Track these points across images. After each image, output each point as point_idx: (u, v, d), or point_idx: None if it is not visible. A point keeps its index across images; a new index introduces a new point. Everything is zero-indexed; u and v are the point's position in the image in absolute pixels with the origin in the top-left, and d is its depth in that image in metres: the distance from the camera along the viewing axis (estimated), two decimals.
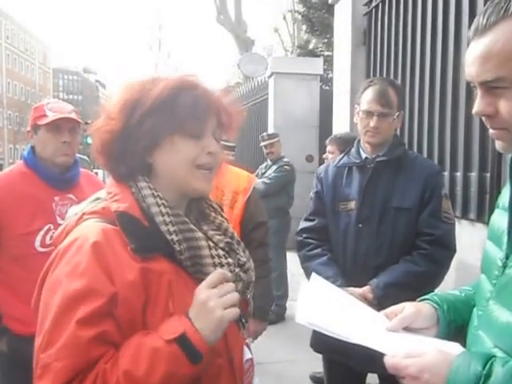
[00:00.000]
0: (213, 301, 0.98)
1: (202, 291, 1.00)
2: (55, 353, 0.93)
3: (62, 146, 2.09)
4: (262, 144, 5.27)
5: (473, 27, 0.93)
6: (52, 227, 2.02)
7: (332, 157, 3.60)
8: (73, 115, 2.11)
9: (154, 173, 1.12)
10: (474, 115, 0.98)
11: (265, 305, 2.42)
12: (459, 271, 2.13)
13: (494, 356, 0.87)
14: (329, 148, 3.73)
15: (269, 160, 5.30)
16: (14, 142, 53.85)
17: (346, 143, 3.74)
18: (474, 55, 0.92)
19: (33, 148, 2.13)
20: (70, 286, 0.97)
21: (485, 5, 2.75)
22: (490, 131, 0.97)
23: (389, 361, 0.94)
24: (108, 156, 1.13)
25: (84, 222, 1.08)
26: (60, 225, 1.20)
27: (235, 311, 1.01)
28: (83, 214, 1.10)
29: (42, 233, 2.01)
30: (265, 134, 5.42)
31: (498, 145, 0.97)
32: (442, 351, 0.94)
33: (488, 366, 0.84)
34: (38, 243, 2.00)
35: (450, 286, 2.07)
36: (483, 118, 0.97)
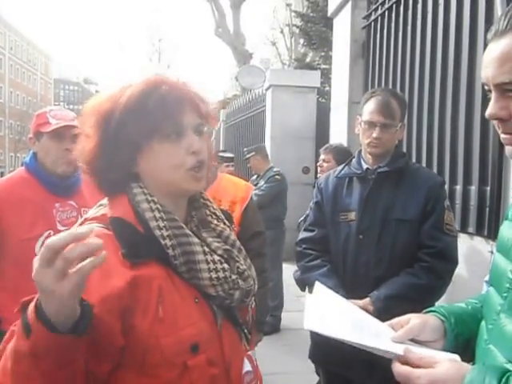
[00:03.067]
0: (44, 281, 0.79)
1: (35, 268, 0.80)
2: None
3: (64, 154, 2.08)
4: (244, 158, 5.45)
5: (493, 28, 0.92)
6: (52, 233, 2.00)
7: (327, 165, 3.60)
8: (75, 122, 2.11)
9: (144, 180, 1.11)
10: (487, 118, 0.96)
11: (261, 316, 2.40)
12: (456, 284, 2.11)
13: (510, 371, 0.84)
14: (324, 157, 3.71)
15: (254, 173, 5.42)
16: (15, 151, 54.32)
17: (341, 153, 3.75)
18: (492, 56, 0.90)
19: (35, 154, 2.13)
20: None
21: (485, 22, 2.77)
22: (502, 136, 0.95)
23: (399, 369, 0.91)
24: (95, 174, 1.12)
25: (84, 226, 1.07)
26: (60, 231, 1.19)
27: (73, 278, 0.80)
28: (85, 219, 1.10)
29: (42, 239, 2.00)
30: (245, 149, 5.56)
31: (509, 151, 0.95)
32: (455, 362, 0.91)
33: (504, 380, 0.81)
34: (38, 249, 1.98)
35: (448, 299, 2.05)
36: (494, 122, 0.95)
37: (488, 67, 0.91)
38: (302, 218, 3.68)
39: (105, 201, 1.15)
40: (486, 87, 0.95)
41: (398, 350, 0.94)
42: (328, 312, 1.17)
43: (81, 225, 1.09)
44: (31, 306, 0.84)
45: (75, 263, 0.80)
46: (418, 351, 1.01)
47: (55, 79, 77.17)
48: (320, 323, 1.08)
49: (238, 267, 1.16)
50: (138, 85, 1.08)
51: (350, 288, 2.02)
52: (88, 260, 0.80)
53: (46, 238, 2.00)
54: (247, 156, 5.39)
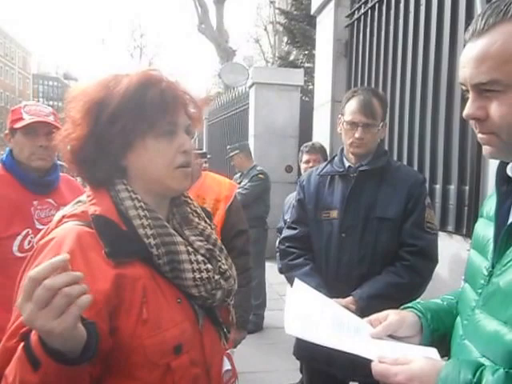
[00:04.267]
0: (38, 320, 0.76)
1: (24, 308, 0.77)
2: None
3: (38, 150, 2.04)
4: (227, 156, 5.40)
5: (470, 28, 0.92)
6: (30, 232, 1.97)
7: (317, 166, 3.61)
8: (51, 118, 2.07)
9: (130, 175, 1.09)
10: (465, 119, 0.97)
11: (244, 314, 2.40)
12: (436, 282, 2.15)
13: (483, 364, 0.87)
14: (311, 157, 3.70)
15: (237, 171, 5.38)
16: None
17: (325, 152, 3.81)
18: (470, 56, 0.91)
19: (11, 151, 2.09)
20: None
21: (466, 22, 2.81)
22: (479, 136, 0.96)
23: (376, 367, 0.93)
24: (80, 164, 1.09)
25: (63, 224, 1.05)
26: (38, 230, 1.18)
27: (73, 313, 0.77)
28: (63, 216, 1.08)
29: (19, 238, 1.96)
30: (228, 147, 5.50)
31: (486, 150, 0.96)
32: (429, 358, 0.93)
33: (478, 374, 0.83)
34: (15, 248, 1.95)
35: (426, 296, 2.08)
36: (472, 123, 0.96)
37: (465, 67, 0.92)
38: (279, 224, 3.72)
39: (83, 197, 1.12)
40: (463, 87, 0.96)
41: (373, 356, 0.96)
42: (308, 312, 1.18)
43: (59, 222, 1.07)
44: (34, 338, 0.80)
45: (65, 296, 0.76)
46: (394, 349, 1.04)
47: (34, 74, 75.65)
48: (300, 326, 1.10)
49: (219, 267, 1.15)
50: (137, 76, 1.07)
51: (333, 286, 2.03)
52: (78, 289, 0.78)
53: (25, 236, 1.98)
54: (231, 154, 5.35)
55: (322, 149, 3.79)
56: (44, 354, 0.79)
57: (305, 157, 3.74)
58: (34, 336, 0.80)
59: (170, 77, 1.12)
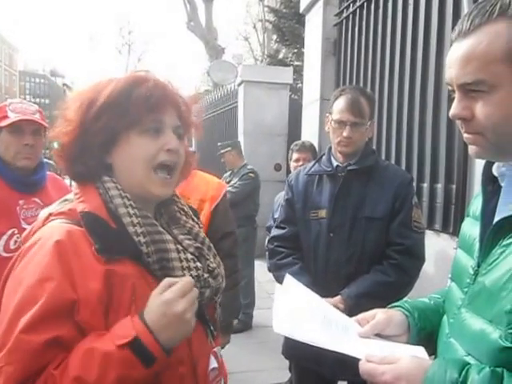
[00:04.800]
0: (189, 313, 0.98)
1: (178, 302, 0.97)
2: (6, 356, 0.90)
3: (24, 149, 2.01)
4: (218, 153, 5.33)
5: (456, 29, 0.93)
6: (16, 231, 1.95)
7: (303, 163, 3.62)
8: (37, 116, 2.04)
9: (116, 173, 1.10)
10: (451, 119, 0.98)
11: (229, 317, 2.36)
12: (422, 280, 2.16)
13: (469, 363, 0.87)
14: (301, 155, 3.70)
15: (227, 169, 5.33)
16: None
17: (315, 150, 3.83)
18: (455, 57, 0.92)
19: None
20: (28, 287, 0.94)
21: (453, 20, 2.83)
22: (465, 136, 0.97)
23: (364, 366, 0.94)
24: (67, 158, 1.11)
25: (50, 222, 1.05)
26: (24, 229, 1.17)
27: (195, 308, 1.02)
28: (50, 214, 1.07)
29: (5, 237, 1.94)
30: (219, 143, 5.44)
31: (472, 150, 0.97)
32: (416, 357, 0.94)
33: (464, 372, 0.84)
34: (1, 248, 1.93)
35: (413, 295, 2.10)
36: (458, 122, 0.97)
37: (451, 68, 0.93)
38: (269, 223, 3.73)
39: (70, 196, 1.12)
40: (449, 87, 0.97)
41: (361, 355, 0.96)
42: (297, 310, 1.19)
43: (45, 220, 1.07)
44: (148, 340, 0.93)
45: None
46: (382, 348, 1.04)
47: (20, 71, 75.03)
48: (289, 325, 1.10)
49: (208, 265, 1.16)
50: (126, 77, 1.11)
51: (322, 285, 2.02)
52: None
53: (10, 236, 1.95)
54: (222, 151, 5.28)
55: (311, 147, 3.81)
56: (161, 351, 0.94)
57: (295, 155, 3.75)
58: (147, 339, 0.93)
59: (161, 77, 1.13)
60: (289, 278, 1.37)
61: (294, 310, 1.19)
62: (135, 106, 1.06)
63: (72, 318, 0.94)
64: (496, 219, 0.93)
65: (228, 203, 2.54)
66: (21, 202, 2.02)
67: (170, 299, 0.96)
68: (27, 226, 1.93)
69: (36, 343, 0.90)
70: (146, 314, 0.96)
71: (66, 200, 1.12)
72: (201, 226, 1.26)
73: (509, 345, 0.82)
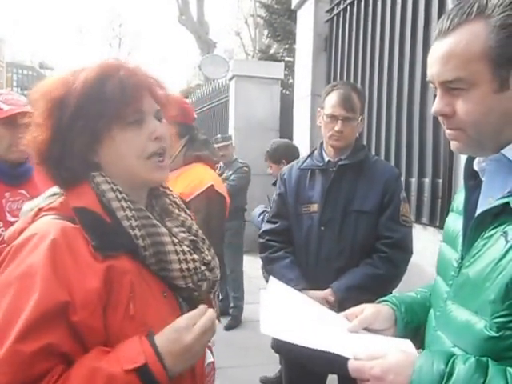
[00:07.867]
0: (199, 345, 0.97)
1: (187, 332, 0.96)
2: None
3: (19, 141, 1.98)
4: (216, 146, 5.27)
5: (437, 28, 0.95)
6: (1, 224, 1.88)
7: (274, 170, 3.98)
8: (28, 108, 2.02)
9: (105, 169, 1.05)
10: (433, 115, 1.00)
11: None
12: (411, 273, 2.20)
13: (455, 354, 0.89)
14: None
15: (221, 163, 5.27)
16: None
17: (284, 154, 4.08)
18: (436, 55, 0.94)
19: None
20: (19, 291, 0.90)
21: (439, 18, 2.86)
22: (447, 132, 1.00)
23: (352, 365, 0.94)
24: (47, 164, 1.05)
25: (41, 218, 1.01)
26: (10, 222, 1.13)
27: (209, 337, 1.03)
28: (40, 209, 1.04)
29: None
30: (219, 136, 5.42)
31: (453, 145, 1.00)
32: (403, 351, 0.95)
33: (450, 363, 0.85)
34: None
35: (402, 287, 2.13)
36: (440, 118, 0.99)
37: (433, 66, 0.96)
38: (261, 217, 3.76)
39: (58, 188, 1.08)
40: (431, 85, 1.00)
41: (350, 354, 0.97)
42: (284, 311, 1.18)
43: (35, 216, 1.03)
44: (156, 368, 0.91)
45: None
46: (370, 342, 1.06)
47: (7, 62, 73.84)
48: (276, 326, 1.09)
49: (203, 258, 1.14)
50: (93, 69, 1.03)
51: (313, 279, 2.06)
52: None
53: None
54: (224, 143, 5.20)
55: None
56: (167, 379, 0.92)
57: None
58: (155, 367, 0.91)
59: (130, 63, 1.07)
60: (273, 280, 1.36)
61: (281, 311, 1.18)
62: (112, 102, 1.00)
63: (64, 322, 0.90)
64: (478, 212, 0.95)
65: (204, 205, 2.19)
66: (7, 194, 1.96)
67: (181, 327, 0.96)
68: (13, 218, 1.86)
69: (26, 353, 0.86)
70: (162, 340, 0.94)
71: (55, 194, 1.08)
72: (193, 218, 1.23)
73: (494, 334, 0.84)
